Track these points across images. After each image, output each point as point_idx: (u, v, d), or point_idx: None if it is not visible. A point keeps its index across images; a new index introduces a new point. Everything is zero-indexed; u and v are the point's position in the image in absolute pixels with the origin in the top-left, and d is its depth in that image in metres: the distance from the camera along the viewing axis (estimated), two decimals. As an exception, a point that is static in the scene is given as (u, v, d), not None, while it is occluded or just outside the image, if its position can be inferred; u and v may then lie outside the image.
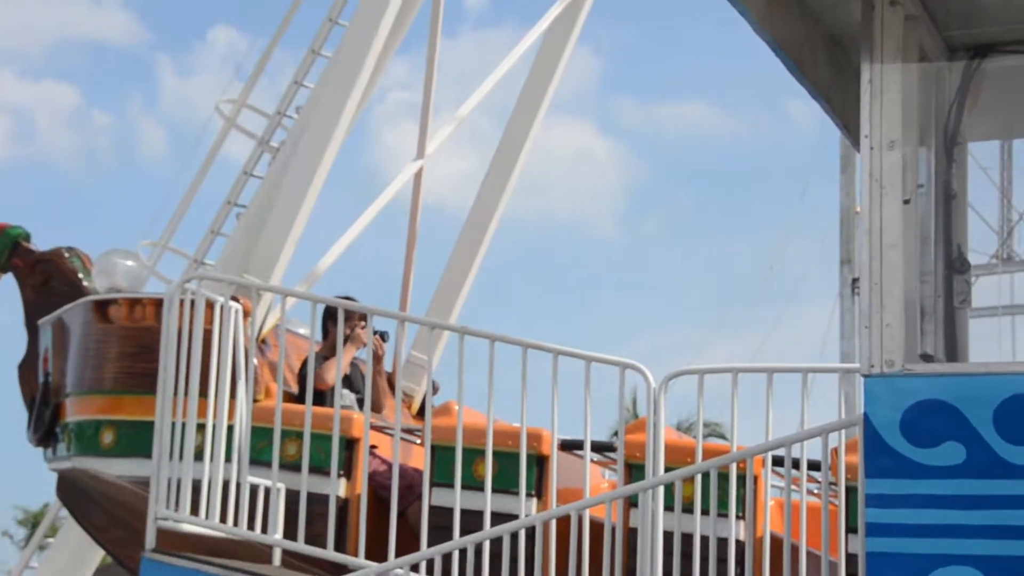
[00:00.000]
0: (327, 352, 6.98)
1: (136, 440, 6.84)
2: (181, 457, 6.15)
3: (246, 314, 6.55)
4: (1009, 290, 7.26)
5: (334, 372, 6.50)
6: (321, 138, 7.69)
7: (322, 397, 6.71)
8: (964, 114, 4.64)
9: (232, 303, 6.40)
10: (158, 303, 6.84)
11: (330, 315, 6.78)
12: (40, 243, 8.05)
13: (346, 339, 7.05)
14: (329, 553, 5.89)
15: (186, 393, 6.22)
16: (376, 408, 7.21)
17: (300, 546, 5.94)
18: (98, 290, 7.48)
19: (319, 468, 6.14)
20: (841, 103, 4.81)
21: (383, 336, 7.22)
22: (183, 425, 6.19)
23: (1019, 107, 4.89)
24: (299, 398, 6.53)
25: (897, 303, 4.31)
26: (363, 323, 6.98)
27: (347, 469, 6.39)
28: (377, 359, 7.23)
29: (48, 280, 7.78)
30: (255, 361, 6.63)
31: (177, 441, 6.17)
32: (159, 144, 47.00)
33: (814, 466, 5.44)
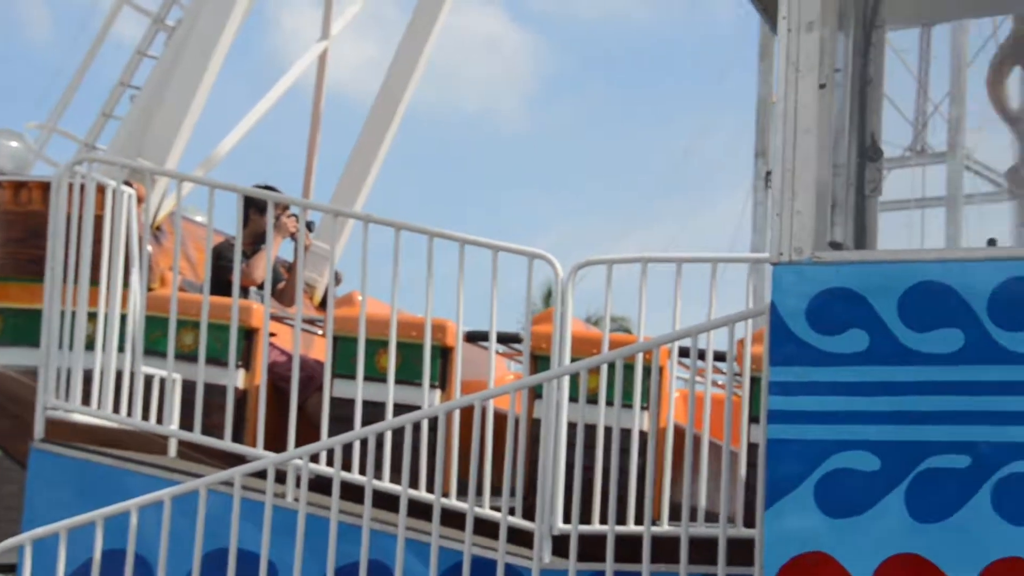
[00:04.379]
0: (248, 241, 7.02)
1: (23, 329, 6.84)
2: (71, 346, 6.18)
3: (139, 199, 6.56)
4: (921, 183, 7.43)
5: (263, 268, 6.57)
6: (219, 15, 7.65)
7: (246, 293, 6.81)
8: (884, -2, 4.75)
9: (125, 187, 6.40)
10: (45, 187, 6.81)
11: (253, 203, 6.83)
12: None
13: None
14: (227, 444, 5.98)
15: (76, 281, 6.23)
16: (289, 301, 7.27)
17: (197, 436, 6.01)
18: (-21, 173, 7.41)
19: (216, 359, 6.21)
20: (762, -14, 4.90)
21: (309, 226, 7.29)
22: (73, 314, 6.21)
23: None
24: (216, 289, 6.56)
25: (809, 191, 4.41)
26: (289, 212, 7.07)
27: (246, 360, 6.47)
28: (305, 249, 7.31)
29: (-78, 161, 7.68)
30: (149, 248, 6.65)
31: (67, 330, 6.20)
32: (43, 24, 45.78)
33: (720, 357, 5.61)
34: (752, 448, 5.30)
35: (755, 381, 5.50)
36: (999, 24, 5.53)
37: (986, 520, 4.08)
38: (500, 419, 5.64)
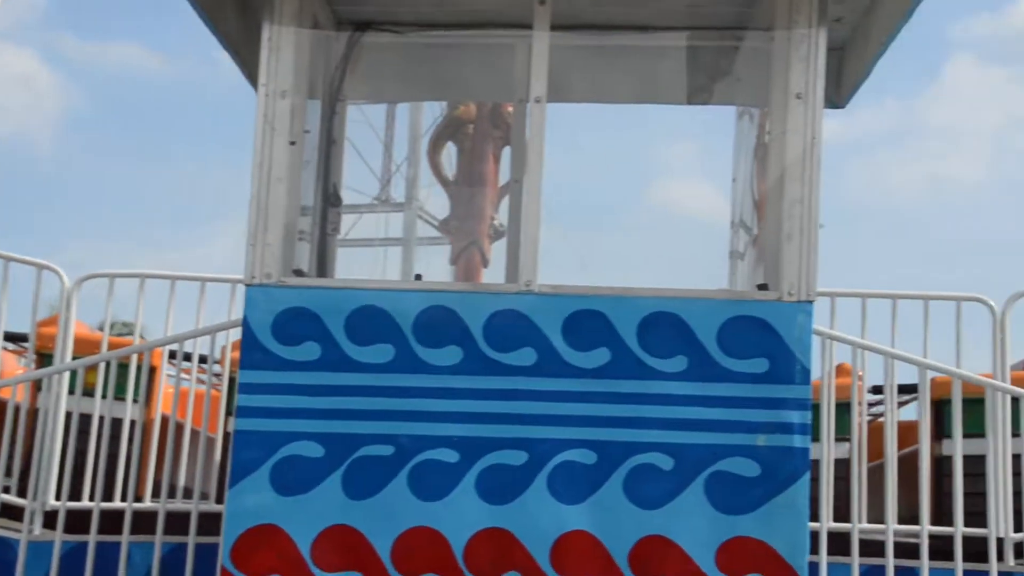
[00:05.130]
0: None
1: None
2: None
3: None
4: (385, 226, 7.70)
5: None
6: None
7: None
8: (346, 77, 4.93)
9: None
10: None
11: None
12: None
13: None
14: None
15: None
16: None
17: None
18: None
19: None
20: (248, 56, 4.95)
21: None
22: None
23: (389, 76, 5.27)
24: None
25: (279, 227, 4.50)
26: None
27: None
28: None
29: None
30: None
31: None
32: None
33: (205, 360, 5.62)
34: (229, 436, 5.32)
35: (234, 381, 5.54)
36: (444, 108, 5.90)
37: (403, 497, 4.29)
38: (2, 407, 5.38)
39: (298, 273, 4.70)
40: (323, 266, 4.96)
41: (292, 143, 4.56)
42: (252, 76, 5.02)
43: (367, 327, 4.39)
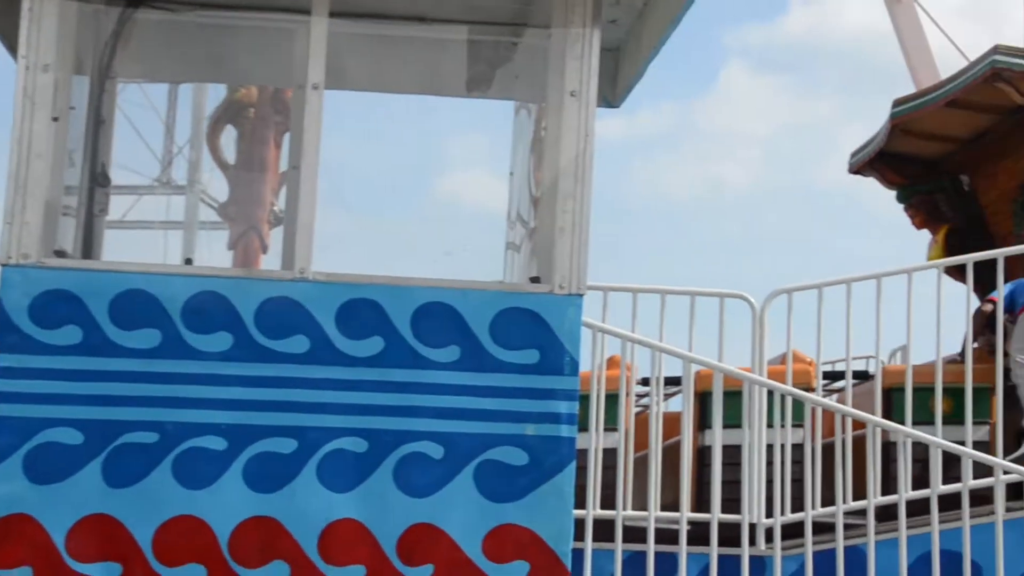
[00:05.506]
0: None
1: None
2: None
3: None
4: (167, 208, 7.47)
5: None
6: None
7: None
8: (117, 54, 4.76)
9: None
10: None
11: None
12: None
13: None
14: None
15: None
16: None
17: None
18: None
19: None
20: (8, 26, 4.71)
21: None
22: None
23: (165, 55, 5.12)
24: None
25: (38, 206, 4.35)
26: None
27: None
28: None
29: None
30: None
31: None
32: None
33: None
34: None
35: None
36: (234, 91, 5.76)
37: (167, 485, 4.21)
38: None
39: (60, 254, 4.54)
40: (88, 248, 4.80)
41: (55, 119, 4.40)
42: (12, 47, 4.80)
43: (132, 311, 4.28)
